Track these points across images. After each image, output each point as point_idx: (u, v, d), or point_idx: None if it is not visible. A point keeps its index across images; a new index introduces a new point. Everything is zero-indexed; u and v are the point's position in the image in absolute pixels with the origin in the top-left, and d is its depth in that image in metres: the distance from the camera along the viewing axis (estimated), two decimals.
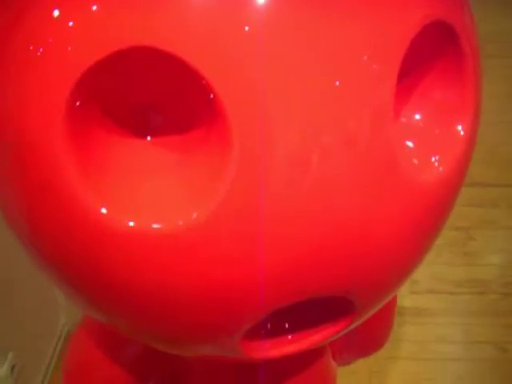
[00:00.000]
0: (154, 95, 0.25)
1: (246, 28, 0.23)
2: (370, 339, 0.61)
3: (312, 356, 0.50)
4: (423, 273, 1.28)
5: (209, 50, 0.22)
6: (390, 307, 0.62)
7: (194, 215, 0.23)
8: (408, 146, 0.28)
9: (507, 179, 1.56)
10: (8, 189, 0.28)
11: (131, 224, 0.23)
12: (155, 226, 0.23)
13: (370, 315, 0.36)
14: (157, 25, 0.22)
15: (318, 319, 0.34)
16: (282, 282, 0.26)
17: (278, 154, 0.24)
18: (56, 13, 0.24)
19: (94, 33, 0.23)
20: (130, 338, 0.47)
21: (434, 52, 0.29)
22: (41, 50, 0.24)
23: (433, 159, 0.28)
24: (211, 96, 0.23)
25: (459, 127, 0.29)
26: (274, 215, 0.25)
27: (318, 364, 0.50)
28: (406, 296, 1.23)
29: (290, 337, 0.34)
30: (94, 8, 0.23)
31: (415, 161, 0.27)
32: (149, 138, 0.26)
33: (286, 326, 0.34)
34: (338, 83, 0.24)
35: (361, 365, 1.12)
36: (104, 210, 0.24)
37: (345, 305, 0.31)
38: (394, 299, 0.63)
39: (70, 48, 0.23)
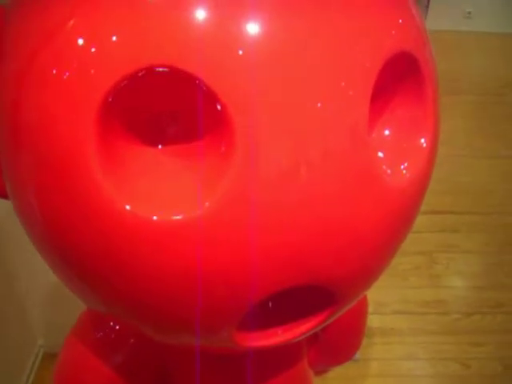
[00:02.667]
0: (165, 107, 0.30)
1: (244, 52, 0.27)
2: (342, 348, 0.65)
3: (292, 359, 0.53)
4: (390, 295, 1.33)
5: (216, 69, 0.26)
6: (361, 320, 0.66)
7: (205, 205, 0.27)
8: (380, 157, 0.33)
9: (464, 206, 1.65)
10: (34, 193, 0.31)
11: (154, 218, 0.27)
12: (175, 217, 0.27)
13: (348, 311, 0.40)
14: (168, 47, 0.26)
15: (301, 314, 0.38)
16: (275, 268, 0.30)
17: (272, 160, 0.28)
18: (81, 40, 0.28)
19: (115, 56, 0.27)
20: (119, 342, 0.49)
21: (400, 78, 0.34)
22: (71, 69, 0.27)
23: (401, 167, 0.33)
24: (219, 107, 0.27)
25: (422, 140, 0.33)
26: (266, 212, 0.28)
27: (297, 367, 0.53)
28: (373, 317, 1.27)
29: (277, 330, 0.38)
30: (114, 36, 0.27)
31: (387, 169, 0.32)
32: (160, 146, 0.30)
33: (274, 319, 0.38)
34: (320, 105, 0.28)
35: (332, 383, 1.14)
36: (128, 207, 0.27)
37: (326, 298, 0.36)
38: (365, 313, 0.67)
39: (98, 67, 0.27)
